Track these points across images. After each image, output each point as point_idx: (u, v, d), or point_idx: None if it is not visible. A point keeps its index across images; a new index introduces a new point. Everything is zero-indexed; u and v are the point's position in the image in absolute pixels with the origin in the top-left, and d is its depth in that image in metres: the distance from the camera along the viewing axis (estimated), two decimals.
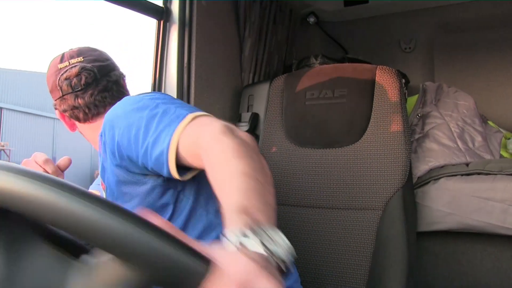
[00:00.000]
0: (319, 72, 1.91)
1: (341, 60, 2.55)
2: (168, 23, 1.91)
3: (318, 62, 2.38)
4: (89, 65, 1.26)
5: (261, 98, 2.01)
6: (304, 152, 1.75)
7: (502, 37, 2.50)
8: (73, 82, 1.24)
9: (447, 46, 2.67)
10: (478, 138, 1.98)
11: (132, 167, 1.04)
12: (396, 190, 1.57)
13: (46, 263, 0.58)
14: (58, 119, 1.33)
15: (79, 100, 1.25)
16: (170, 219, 1.08)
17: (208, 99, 1.97)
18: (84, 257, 0.58)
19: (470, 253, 1.84)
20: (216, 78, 2.03)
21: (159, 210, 1.08)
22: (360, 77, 1.75)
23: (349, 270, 1.59)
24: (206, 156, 0.83)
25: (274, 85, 1.90)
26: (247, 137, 0.87)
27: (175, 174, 0.93)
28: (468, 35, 2.60)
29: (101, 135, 1.08)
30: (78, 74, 1.24)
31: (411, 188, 1.72)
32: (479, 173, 1.76)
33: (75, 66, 1.25)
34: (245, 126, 1.98)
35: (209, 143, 0.83)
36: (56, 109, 1.32)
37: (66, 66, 1.26)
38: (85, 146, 23.81)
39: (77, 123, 1.32)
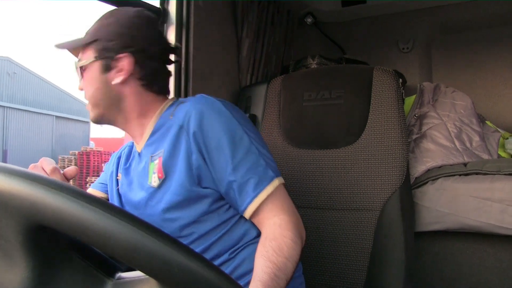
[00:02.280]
0: (317, 73, 1.91)
1: (338, 61, 2.55)
2: (165, 24, 1.91)
3: (315, 62, 2.37)
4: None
5: (259, 99, 2.00)
6: (302, 153, 1.75)
7: (500, 37, 2.50)
8: (172, 52, 1.30)
9: (445, 46, 2.67)
10: (476, 138, 1.98)
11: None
12: (394, 190, 1.57)
13: (81, 280, 0.58)
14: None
15: (168, 70, 1.28)
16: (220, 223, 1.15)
17: None
18: (118, 275, 0.59)
19: (469, 253, 1.84)
20: (213, 79, 2.03)
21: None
22: (358, 78, 1.75)
23: (347, 271, 1.59)
24: (266, 236, 1.03)
25: (271, 86, 1.89)
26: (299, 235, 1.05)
27: (247, 216, 1.10)
28: (466, 35, 2.60)
29: (181, 127, 1.12)
30: (172, 49, 1.29)
31: (409, 188, 1.72)
32: (477, 173, 1.76)
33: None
34: None
35: (275, 231, 1.03)
36: (130, 52, 1.16)
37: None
38: (43, 138, 22.40)
39: (137, 84, 1.19)
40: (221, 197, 1.13)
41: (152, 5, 1.87)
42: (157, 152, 1.16)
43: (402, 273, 1.49)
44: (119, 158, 1.37)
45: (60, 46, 1.25)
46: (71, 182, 1.21)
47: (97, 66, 1.18)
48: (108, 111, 1.21)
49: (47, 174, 1.14)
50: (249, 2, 2.17)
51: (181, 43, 1.89)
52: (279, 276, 0.92)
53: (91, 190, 1.41)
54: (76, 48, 1.25)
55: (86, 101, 1.23)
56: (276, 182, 1.09)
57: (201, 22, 1.94)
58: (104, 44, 1.17)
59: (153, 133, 1.20)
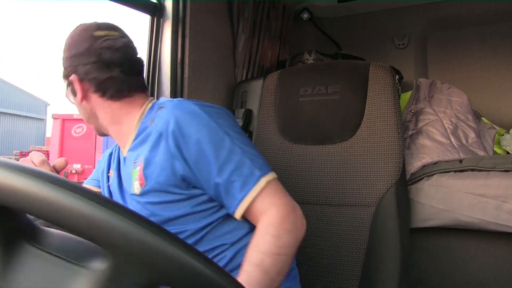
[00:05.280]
0: (313, 68, 1.91)
1: (335, 56, 2.55)
2: (161, 19, 1.91)
3: (312, 58, 2.37)
4: (131, 44, 1.24)
5: (255, 95, 2.00)
6: (298, 148, 1.74)
7: (495, 33, 2.51)
8: (116, 54, 1.19)
9: (441, 43, 2.67)
10: (472, 135, 1.98)
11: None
12: (390, 186, 1.57)
13: (45, 268, 0.56)
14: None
15: (119, 74, 1.20)
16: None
17: (201, 95, 1.96)
18: (90, 263, 0.56)
19: (464, 249, 1.84)
20: (209, 74, 2.02)
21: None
22: (354, 74, 1.74)
23: (343, 266, 1.59)
24: (258, 231, 1.04)
25: (267, 81, 1.89)
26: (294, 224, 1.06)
27: (238, 217, 1.10)
28: (462, 31, 2.60)
29: (160, 134, 1.11)
30: (122, 49, 1.20)
31: (405, 184, 1.71)
32: (472, 170, 1.76)
33: (119, 38, 1.21)
34: (238, 122, 1.97)
35: (267, 227, 1.03)
36: (74, 73, 1.20)
37: (106, 35, 1.19)
38: None
39: (95, 96, 1.22)
40: (206, 200, 1.14)
41: (149, 0, 1.87)
42: (138, 159, 1.17)
43: (397, 269, 1.49)
44: (110, 155, 1.39)
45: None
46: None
47: (69, 93, 1.26)
48: (95, 125, 1.29)
49: (36, 166, 1.15)
50: None
51: (177, 38, 1.88)
52: (268, 271, 0.96)
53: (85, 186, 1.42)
54: None
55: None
56: (263, 181, 1.07)
57: (197, 17, 1.93)
58: (64, 73, 1.25)
59: (135, 139, 1.21)
